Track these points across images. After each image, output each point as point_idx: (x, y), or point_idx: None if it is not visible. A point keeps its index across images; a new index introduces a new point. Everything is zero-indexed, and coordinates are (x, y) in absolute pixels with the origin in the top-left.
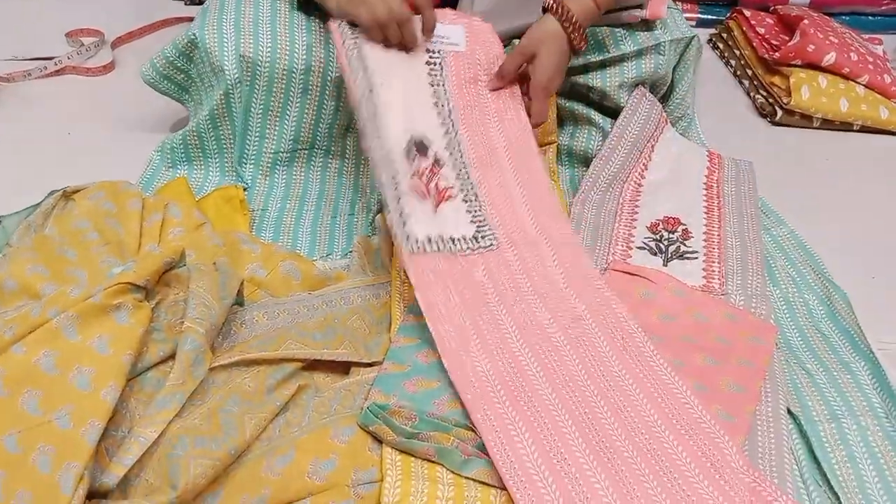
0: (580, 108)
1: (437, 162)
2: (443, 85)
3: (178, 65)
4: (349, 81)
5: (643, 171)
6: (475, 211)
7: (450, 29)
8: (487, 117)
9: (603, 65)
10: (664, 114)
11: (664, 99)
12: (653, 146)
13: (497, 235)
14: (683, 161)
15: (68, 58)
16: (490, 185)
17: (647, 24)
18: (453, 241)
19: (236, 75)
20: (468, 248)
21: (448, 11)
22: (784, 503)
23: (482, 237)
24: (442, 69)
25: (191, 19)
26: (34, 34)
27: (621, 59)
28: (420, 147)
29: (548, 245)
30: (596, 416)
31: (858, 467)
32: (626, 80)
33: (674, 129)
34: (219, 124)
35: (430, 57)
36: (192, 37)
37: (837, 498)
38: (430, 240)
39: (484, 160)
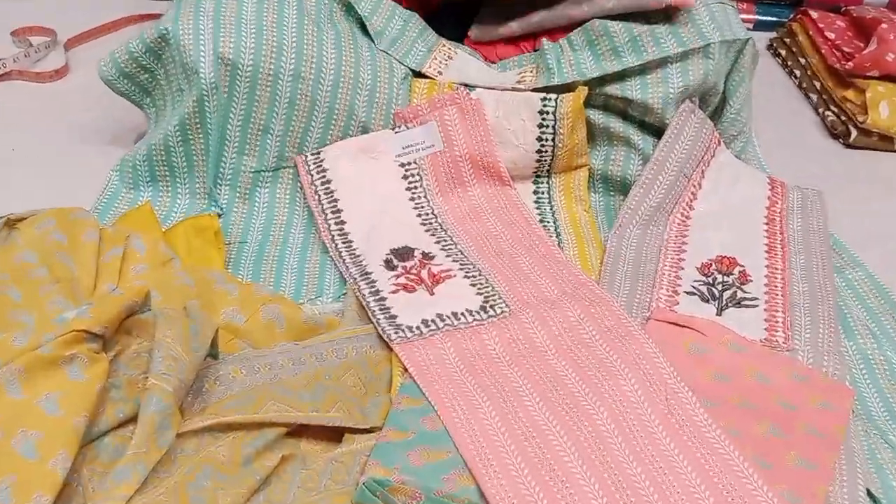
0: (617, 125)
1: (425, 255)
2: (424, 196)
3: (144, 62)
4: (317, 219)
5: (691, 200)
6: (481, 284)
7: (420, 132)
8: (479, 211)
9: (643, 71)
10: (716, 133)
11: (716, 115)
12: (703, 171)
13: (509, 302)
14: (740, 189)
15: (14, 60)
16: (493, 260)
17: (693, 22)
18: (456, 316)
19: (212, 79)
20: (475, 320)
21: (420, 107)
22: None
23: (491, 307)
24: (421, 179)
25: (159, 16)
26: None
27: (663, 64)
28: (402, 254)
29: (571, 303)
30: (636, 491)
31: None
32: (670, 90)
33: (728, 151)
34: (190, 136)
35: (406, 170)
36: (164, 31)
37: None
38: (425, 323)
39: (482, 246)
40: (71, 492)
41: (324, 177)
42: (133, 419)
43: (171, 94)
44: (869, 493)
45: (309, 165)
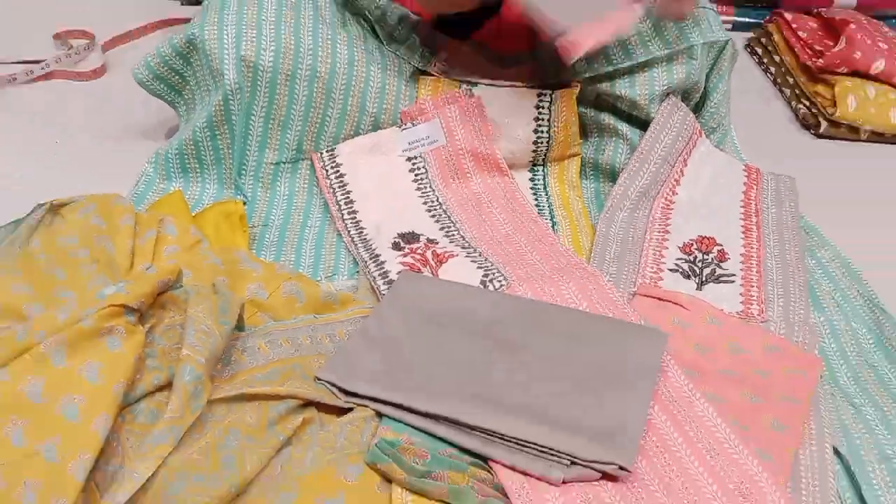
0: (607, 119)
1: (430, 241)
2: (430, 187)
3: (174, 66)
4: (332, 209)
5: (674, 187)
6: (481, 261)
7: (425, 128)
8: (479, 199)
9: (631, 71)
10: (697, 125)
11: (697, 109)
12: (685, 160)
13: (507, 277)
14: (718, 177)
15: (56, 61)
16: (492, 243)
17: (677, 26)
18: None
19: (236, 80)
20: None
21: (424, 105)
22: None
23: (490, 281)
24: (426, 171)
25: (188, 20)
26: (19, 35)
27: (650, 65)
28: (408, 238)
29: (563, 278)
30: None
31: None
32: (656, 88)
33: (708, 142)
34: (217, 133)
35: (413, 164)
36: (192, 36)
37: None
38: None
39: (483, 231)
40: (111, 451)
41: (337, 171)
42: (167, 386)
43: (200, 93)
44: (836, 451)
45: (324, 161)
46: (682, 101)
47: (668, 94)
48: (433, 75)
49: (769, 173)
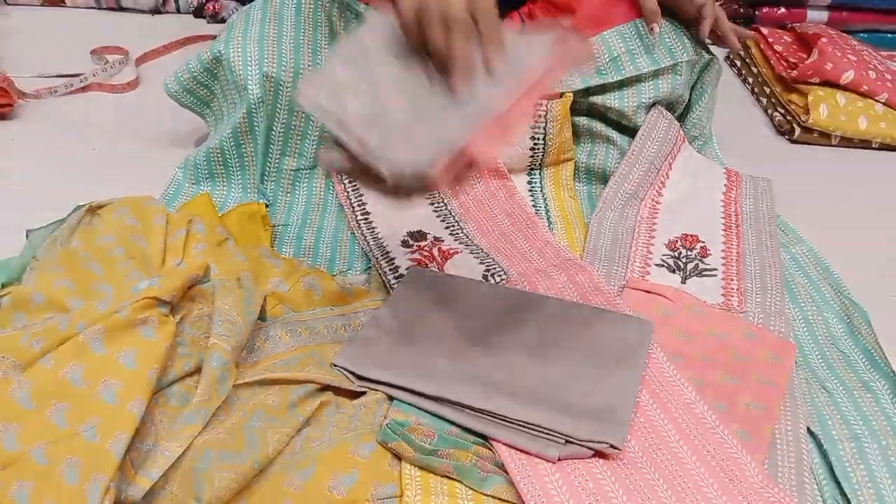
0: (598, 126)
1: (436, 239)
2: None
3: (202, 80)
4: (347, 212)
5: (661, 188)
6: (483, 258)
7: None
8: (482, 202)
9: (620, 85)
10: (682, 132)
11: (681, 118)
12: (670, 164)
13: (507, 271)
14: (701, 179)
15: (94, 74)
16: (494, 242)
17: (664, 44)
18: None
19: (259, 94)
20: None
21: None
22: None
23: (492, 275)
24: None
25: (214, 37)
26: (59, 51)
27: (638, 80)
28: (416, 236)
29: (558, 272)
30: None
31: (879, 487)
32: (643, 100)
33: (691, 148)
34: (241, 142)
35: None
36: (217, 53)
37: None
38: None
39: (485, 230)
40: (145, 431)
41: (352, 180)
42: (197, 371)
43: (226, 105)
44: (809, 431)
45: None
46: (668, 110)
47: (654, 105)
48: None
49: (748, 175)
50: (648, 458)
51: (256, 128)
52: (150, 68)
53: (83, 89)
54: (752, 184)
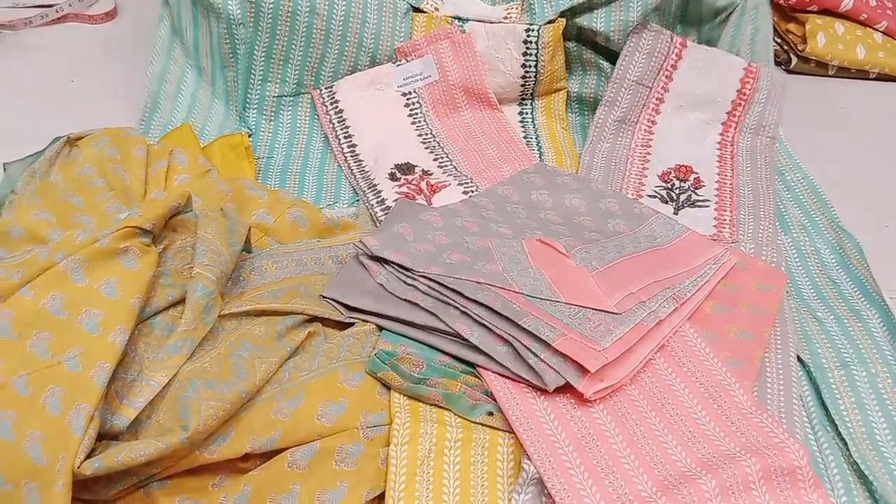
0: (589, 54)
1: (425, 172)
2: (424, 120)
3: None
4: (332, 143)
5: (658, 105)
6: (472, 191)
7: (418, 64)
8: (471, 132)
9: (608, 2)
10: (677, 37)
11: None
12: (667, 76)
13: None
14: (710, 83)
15: (69, 5)
16: (482, 172)
17: None
18: None
19: (239, 16)
20: None
21: (418, 42)
22: (791, 445)
23: None
24: (420, 105)
25: None
26: None
27: None
28: (404, 169)
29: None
30: None
31: (867, 414)
32: (630, 18)
33: (698, 48)
34: (225, 66)
35: (408, 99)
36: None
37: (845, 444)
38: None
39: (474, 161)
40: (129, 361)
41: (336, 107)
42: (181, 302)
43: (201, 34)
44: (799, 359)
45: (323, 98)
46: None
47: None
48: (426, 12)
49: (766, 71)
50: (637, 384)
51: (238, 52)
52: None
53: (59, 20)
54: (768, 86)
